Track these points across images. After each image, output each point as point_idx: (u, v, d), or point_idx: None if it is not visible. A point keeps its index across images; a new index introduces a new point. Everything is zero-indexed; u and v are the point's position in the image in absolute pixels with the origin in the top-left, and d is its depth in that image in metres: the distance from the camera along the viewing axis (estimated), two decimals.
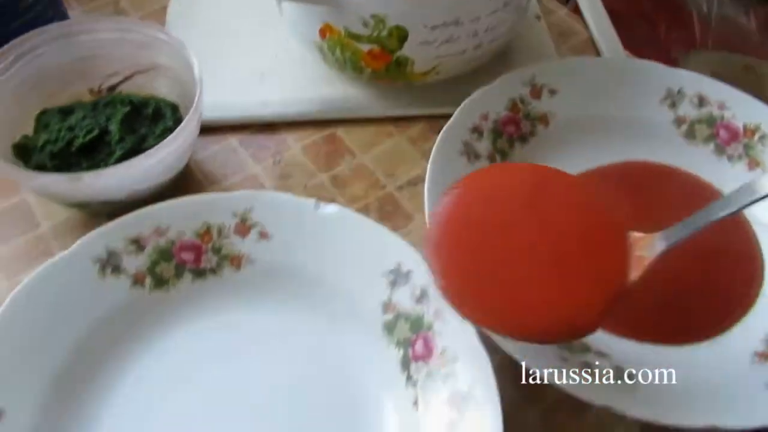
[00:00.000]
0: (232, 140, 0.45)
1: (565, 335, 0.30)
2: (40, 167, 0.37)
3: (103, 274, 0.35)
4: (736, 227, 0.40)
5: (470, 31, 0.41)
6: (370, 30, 0.41)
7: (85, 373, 0.34)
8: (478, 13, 0.41)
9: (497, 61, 0.47)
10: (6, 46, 0.38)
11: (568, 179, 0.33)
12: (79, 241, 0.35)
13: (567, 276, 0.30)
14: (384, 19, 0.40)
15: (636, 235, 0.31)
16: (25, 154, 0.38)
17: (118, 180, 0.35)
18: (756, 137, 0.42)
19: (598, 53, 0.51)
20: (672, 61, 0.92)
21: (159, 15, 0.52)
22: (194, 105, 0.37)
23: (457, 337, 0.33)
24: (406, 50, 0.41)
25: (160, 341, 0.35)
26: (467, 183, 0.33)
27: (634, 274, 0.30)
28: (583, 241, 0.31)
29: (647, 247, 0.31)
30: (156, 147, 0.35)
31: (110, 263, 0.35)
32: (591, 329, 0.30)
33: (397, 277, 0.35)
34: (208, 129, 0.44)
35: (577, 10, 0.54)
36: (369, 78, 0.45)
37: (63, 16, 0.48)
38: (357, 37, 0.41)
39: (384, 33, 0.41)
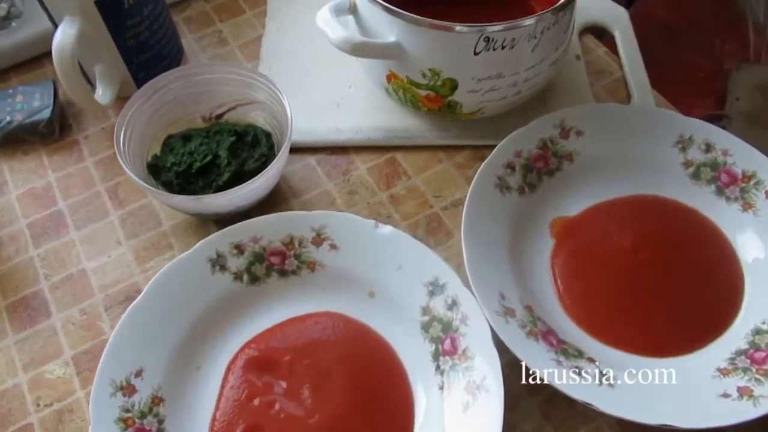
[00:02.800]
0: (311, 160, 0.56)
1: None
2: (168, 183, 0.49)
3: (213, 270, 0.46)
4: (726, 260, 0.48)
5: (511, 82, 0.50)
6: (427, 80, 0.50)
7: (197, 343, 0.45)
8: (517, 68, 0.49)
9: (536, 98, 0.55)
10: (147, 84, 0.50)
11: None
12: (196, 245, 0.46)
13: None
14: (439, 73, 0.49)
15: None
16: (155, 172, 0.50)
17: (229, 200, 0.46)
18: (752, 183, 0.49)
19: (629, 92, 0.58)
20: (723, 73, 0.96)
21: (255, 43, 0.62)
22: (287, 140, 0.47)
23: (477, 339, 0.43)
24: (456, 96, 0.50)
25: (252, 324, 0.46)
26: None
27: None
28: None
29: None
30: (258, 176, 0.46)
31: (218, 263, 0.46)
32: None
33: (435, 287, 0.45)
34: (292, 149, 0.54)
35: (614, 49, 0.61)
36: (425, 114, 0.54)
37: (180, 48, 0.60)
38: (416, 84, 0.50)
39: (438, 83, 0.50)
